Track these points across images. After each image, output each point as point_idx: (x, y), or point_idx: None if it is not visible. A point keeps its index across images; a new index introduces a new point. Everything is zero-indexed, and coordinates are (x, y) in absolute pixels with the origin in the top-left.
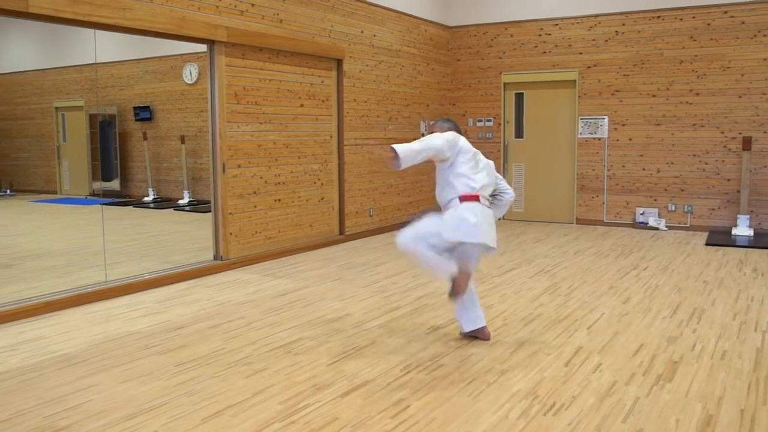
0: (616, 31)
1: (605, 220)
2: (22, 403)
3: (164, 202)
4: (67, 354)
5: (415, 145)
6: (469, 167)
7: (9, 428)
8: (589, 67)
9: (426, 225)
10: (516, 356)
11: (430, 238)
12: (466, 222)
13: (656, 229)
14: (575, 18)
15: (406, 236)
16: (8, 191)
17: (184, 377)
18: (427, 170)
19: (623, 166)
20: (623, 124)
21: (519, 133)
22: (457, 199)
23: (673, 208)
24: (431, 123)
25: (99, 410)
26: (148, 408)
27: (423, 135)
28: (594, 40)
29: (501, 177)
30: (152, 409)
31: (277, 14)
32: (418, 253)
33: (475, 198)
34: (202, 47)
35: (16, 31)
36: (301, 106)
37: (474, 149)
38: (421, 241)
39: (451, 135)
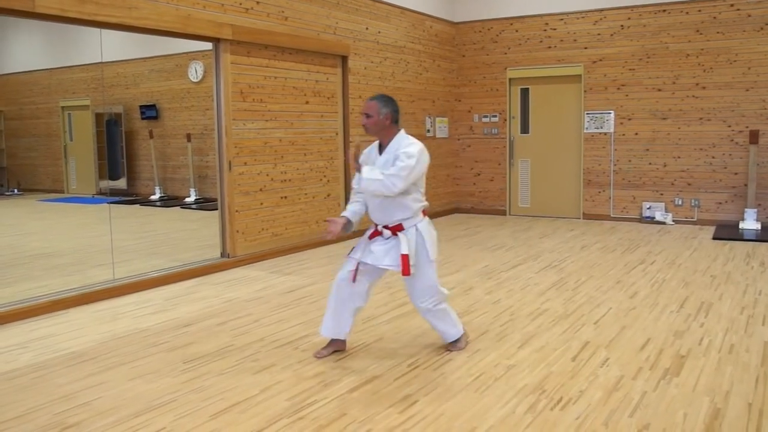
0: (622, 26)
1: (612, 215)
2: (33, 400)
3: (171, 201)
4: (76, 351)
5: None
6: (423, 179)
7: (21, 425)
8: (594, 62)
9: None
10: (523, 351)
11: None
12: (436, 238)
13: (663, 223)
14: (580, 13)
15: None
16: (16, 191)
17: (192, 374)
18: (432, 167)
19: (629, 161)
20: (629, 119)
21: (525, 129)
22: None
23: (680, 203)
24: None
25: (108, 407)
26: (156, 405)
27: (428, 131)
28: (599, 34)
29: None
30: (160, 406)
31: (282, 11)
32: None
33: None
34: (208, 45)
35: (22, 30)
36: (307, 103)
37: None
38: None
39: (421, 145)
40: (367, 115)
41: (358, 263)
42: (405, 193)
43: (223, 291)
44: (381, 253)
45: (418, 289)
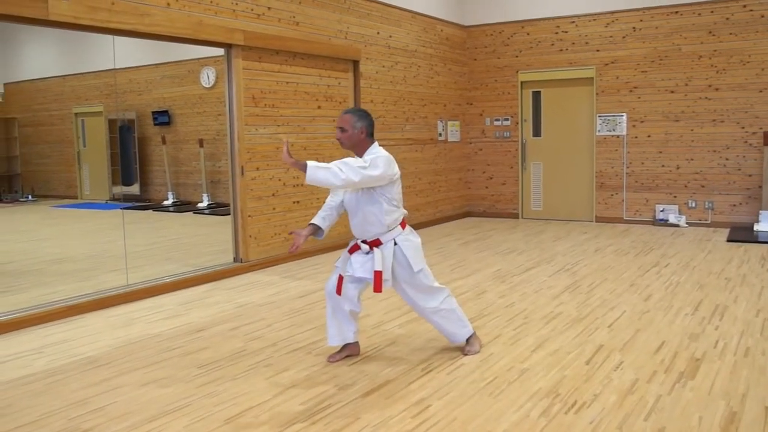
0: (634, 28)
1: (625, 218)
2: (48, 404)
3: (184, 206)
4: (91, 357)
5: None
6: (398, 188)
7: (36, 430)
8: (606, 64)
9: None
10: (537, 355)
11: None
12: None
13: (677, 225)
14: (592, 15)
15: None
16: (30, 197)
17: (205, 379)
18: (444, 171)
19: (642, 163)
20: (642, 121)
21: (537, 132)
22: None
23: (694, 205)
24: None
25: (122, 412)
26: (170, 410)
27: (440, 135)
28: (611, 36)
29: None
30: (175, 410)
31: (293, 17)
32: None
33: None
34: (220, 51)
35: (36, 38)
36: (319, 108)
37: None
38: None
39: (387, 155)
40: (342, 129)
41: (341, 275)
42: (373, 202)
43: (236, 296)
44: (358, 265)
45: (417, 298)
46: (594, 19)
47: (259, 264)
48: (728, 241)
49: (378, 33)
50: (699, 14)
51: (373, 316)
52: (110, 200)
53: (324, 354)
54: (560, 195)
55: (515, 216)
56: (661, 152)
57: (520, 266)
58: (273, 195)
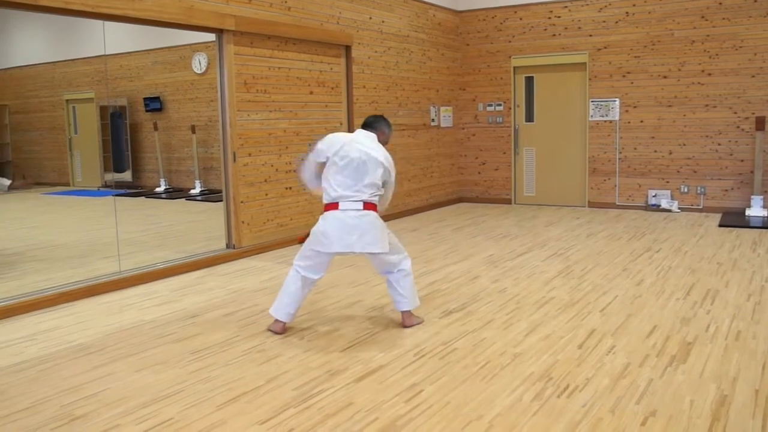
0: (627, 13)
1: (617, 203)
2: (40, 392)
3: (176, 192)
4: (83, 343)
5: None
6: (332, 171)
7: (29, 416)
8: (599, 50)
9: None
10: (529, 339)
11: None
12: (317, 231)
13: (669, 211)
14: (585, 0)
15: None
16: None
17: (198, 365)
18: (437, 156)
19: (635, 149)
20: (635, 106)
21: (529, 117)
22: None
23: (686, 190)
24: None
25: (115, 398)
26: (163, 396)
27: (433, 120)
28: (604, 21)
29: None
30: (168, 396)
31: (285, 2)
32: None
33: (333, 207)
34: (211, 36)
35: (26, 24)
36: (311, 93)
37: (346, 141)
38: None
39: (331, 135)
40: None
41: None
42: None
43: (229, 282)
44: None
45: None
46: (587, 4)
47: (252, 250)
48: (720, 226)
49: (370, 18)
50: None
51: (365, 302)
52: (102, 187)
53: (316, 339)
54: (553, 180)
55: (508, 201)
56: (653, 137)
57: (513, 251)
58: (265, 181)
